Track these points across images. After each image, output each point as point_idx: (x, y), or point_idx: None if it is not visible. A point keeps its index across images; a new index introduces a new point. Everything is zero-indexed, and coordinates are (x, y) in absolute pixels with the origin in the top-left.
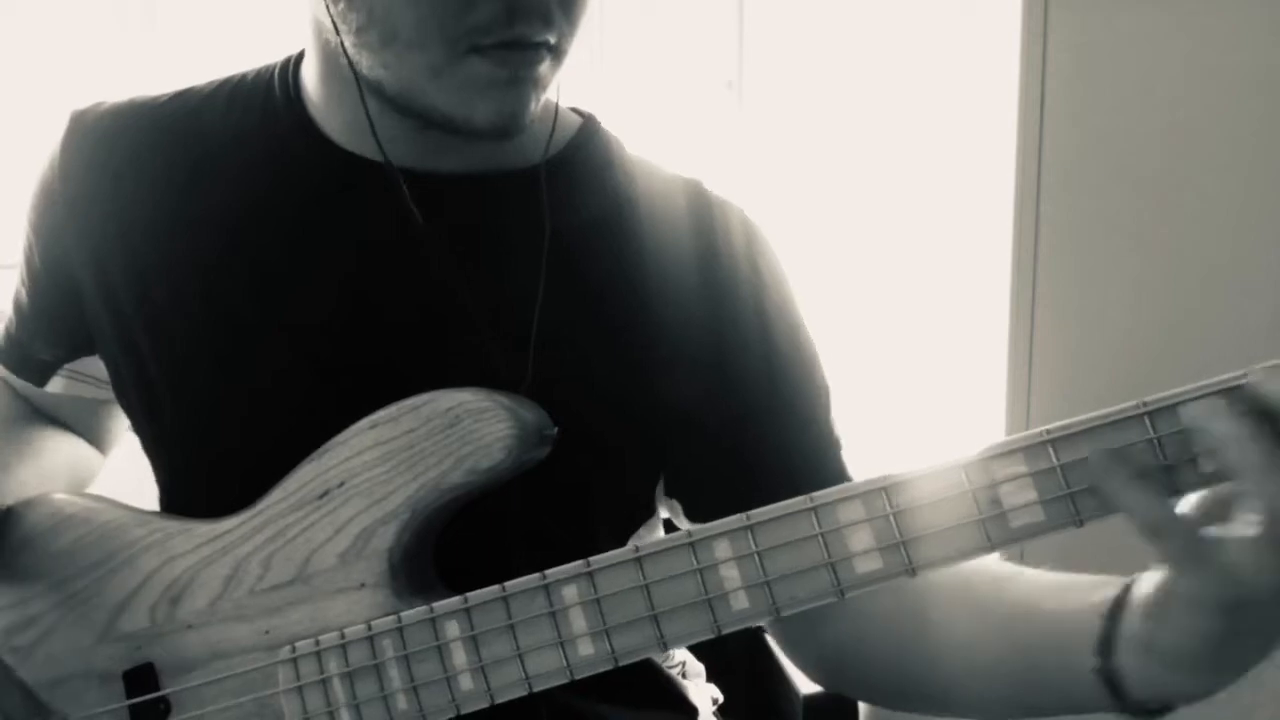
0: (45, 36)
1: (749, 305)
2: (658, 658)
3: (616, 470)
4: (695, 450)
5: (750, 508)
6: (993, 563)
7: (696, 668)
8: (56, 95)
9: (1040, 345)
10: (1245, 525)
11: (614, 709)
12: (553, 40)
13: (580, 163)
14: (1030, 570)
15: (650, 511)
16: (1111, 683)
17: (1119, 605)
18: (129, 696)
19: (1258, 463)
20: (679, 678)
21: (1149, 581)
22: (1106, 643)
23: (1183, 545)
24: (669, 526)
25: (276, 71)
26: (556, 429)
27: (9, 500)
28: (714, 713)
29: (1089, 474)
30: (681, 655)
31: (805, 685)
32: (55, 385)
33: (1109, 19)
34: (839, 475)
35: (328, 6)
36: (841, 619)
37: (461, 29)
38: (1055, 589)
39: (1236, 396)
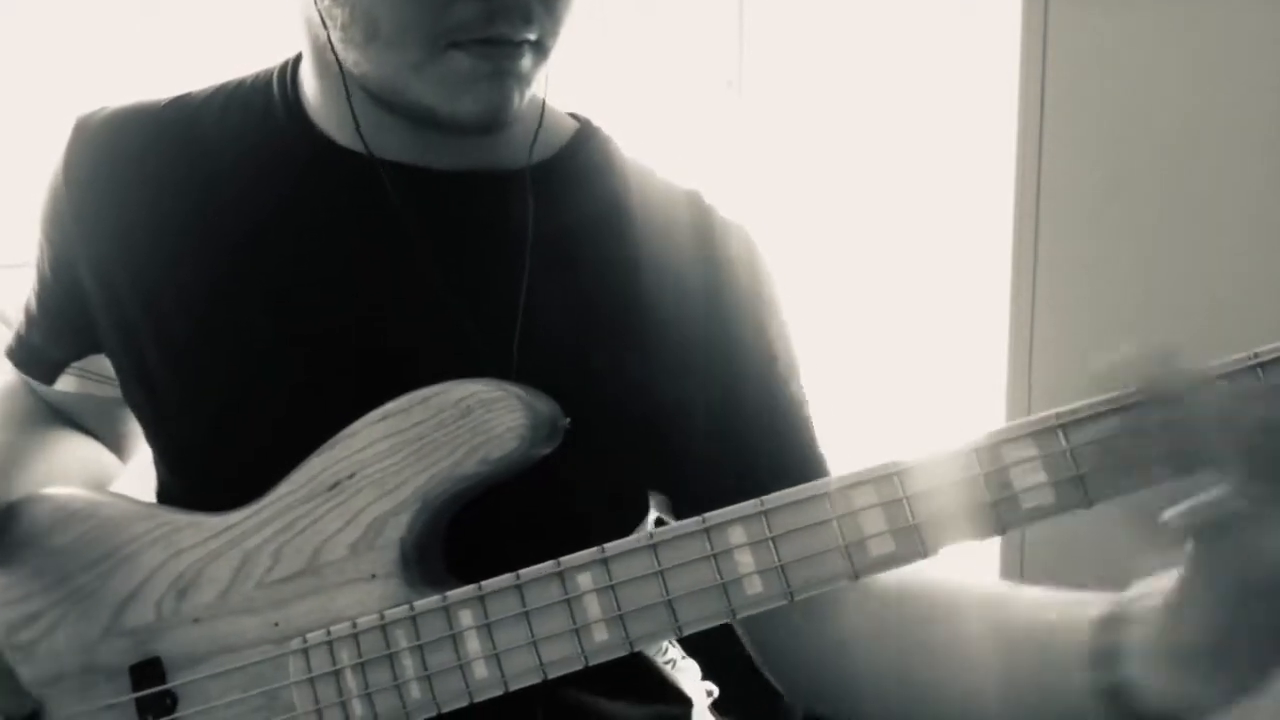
0: (45, 38)
1: (746, 312)
2: (649, 651)
3: (601, 467)
4: (683, 450)
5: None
6: (979, 582)
7: (688, 664)
8: (56, 96)
9: (1040, 343)
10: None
11: (611, 702)
12: (534, 37)
13: (574, 166)
14: (1014, 587)
15: (643, 508)
16: (1120, 697)
17: (1115, 619)
18: (135, 690)
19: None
20: (673, 673)
21: (1152, 587)
22: (1108, 656)
23: (1209, 516)
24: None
25: (275, 74)
26: (569, 420)
27: (22, 494)
28: (709, 708)
29: (1118, 452)
30: (673, 652)
31: None
32: (65, 384)
33: (1109, 19)
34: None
35: (315, 2)
36: (821, 640)
37: (440, 27)
38: (1046, 606)
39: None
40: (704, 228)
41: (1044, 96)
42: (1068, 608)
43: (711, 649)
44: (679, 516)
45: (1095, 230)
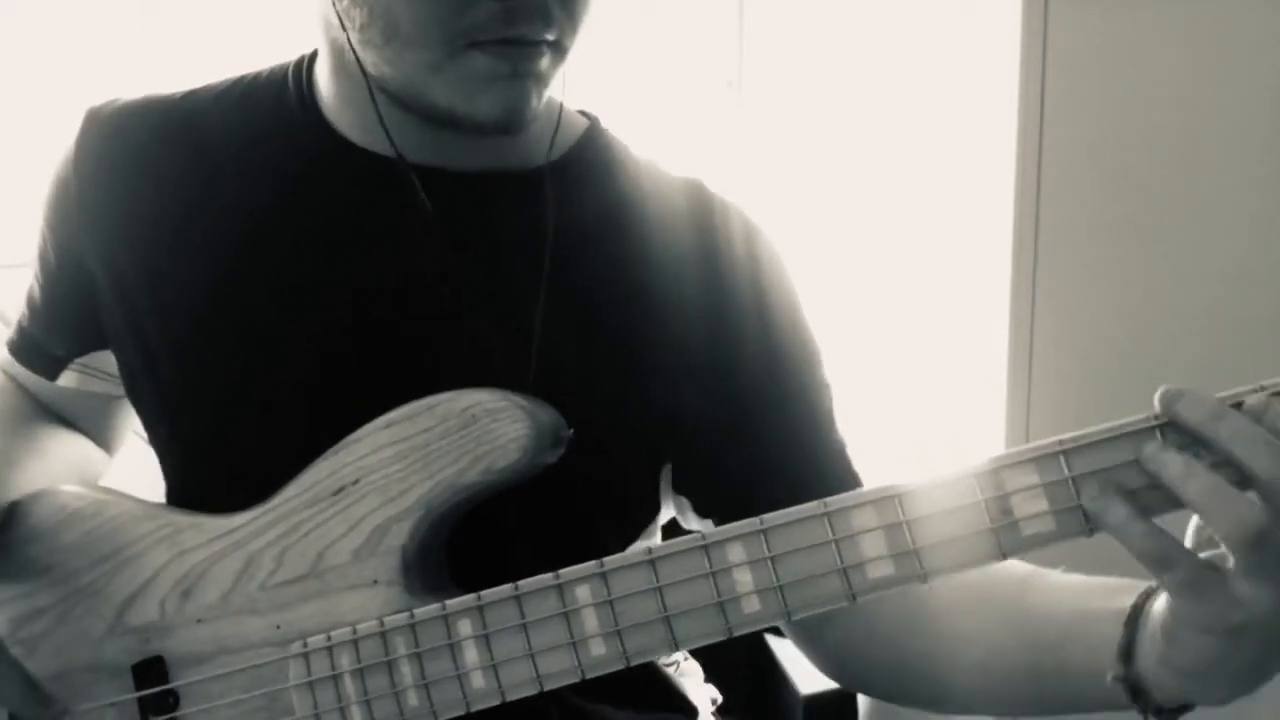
0: (45, 40)
1: (749, 304)
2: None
3: (617, 470)
4: (700, 449)
5: (758, 506)
6: (1013, 565)
7: (692, 667)
8: (54, 98)
9: (1040, 346)
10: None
11: (618, 710)
12: (553, 38)
13: (585, 165)
14: (1051, 573)
15: (655, 510)
16: (1134, 689)
17: (1137, 613)
18: (138, 689)
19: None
20: (678, 677)
21: (1161, 599)
22: (1128, 650)
23: (1184, 576)
24: (667, 530)
25: (290, 70)
26: (571, 430)
27: (15, 495)
28: (713, 713)
29: (1089, 507)
30: (677, 654)
31: (805, 685)
32: (67, 380)
33: (1109, 19)
34: (845, 473)
35: (334, 3)
36: (850, 620)
37: (459, 27)
38: (1077, 592)
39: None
40: (707, 219)
41: (1044, 96)
42: (1097, 594)
43: (714, 651)
44: (702, 516)
45: (1095, 230)
